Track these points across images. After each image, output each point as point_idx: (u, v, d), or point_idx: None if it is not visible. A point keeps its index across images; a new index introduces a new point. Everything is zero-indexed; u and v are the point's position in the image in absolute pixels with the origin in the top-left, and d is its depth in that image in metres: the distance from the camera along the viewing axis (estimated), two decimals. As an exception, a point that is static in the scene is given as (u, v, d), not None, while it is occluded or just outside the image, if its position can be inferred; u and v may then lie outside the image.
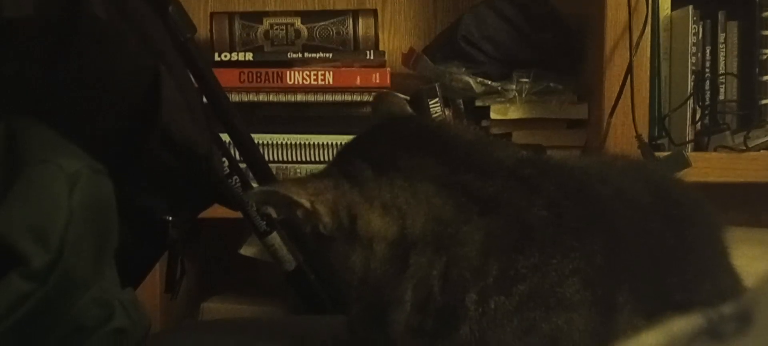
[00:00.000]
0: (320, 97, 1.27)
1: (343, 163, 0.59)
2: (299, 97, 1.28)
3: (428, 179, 0.55)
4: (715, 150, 1.21)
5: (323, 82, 1.26)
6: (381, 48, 1.34)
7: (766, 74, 1.22)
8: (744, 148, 1.18)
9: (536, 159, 0.59)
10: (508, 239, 0.53)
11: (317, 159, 1.26)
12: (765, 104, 1.22)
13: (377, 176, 0.56)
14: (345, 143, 0.62)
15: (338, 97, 1.27)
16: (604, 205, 0.54)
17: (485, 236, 0.53)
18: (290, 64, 1.27)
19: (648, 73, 1.19)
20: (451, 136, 0.59)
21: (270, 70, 1.26)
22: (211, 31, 1.33)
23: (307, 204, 0.56)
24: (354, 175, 0.57)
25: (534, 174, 0.56)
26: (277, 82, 1.27)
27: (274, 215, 0.59)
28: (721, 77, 1.23)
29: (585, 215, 0.53)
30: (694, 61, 1.21)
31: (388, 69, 1.29)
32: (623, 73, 1.15)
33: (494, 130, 1.29)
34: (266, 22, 1.32)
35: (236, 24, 1.32)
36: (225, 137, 0.96)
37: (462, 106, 1.28)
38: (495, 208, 0.54)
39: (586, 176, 0.57)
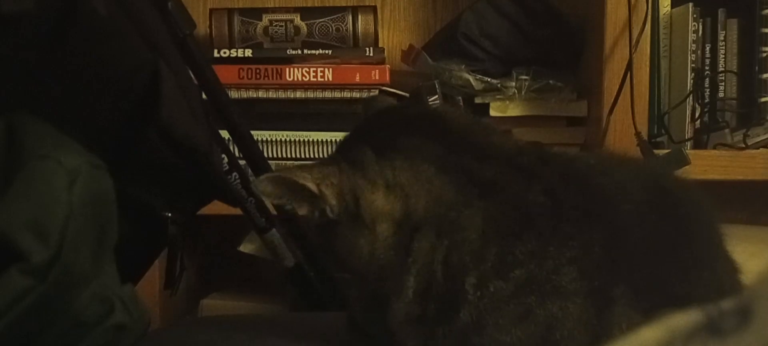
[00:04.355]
0: (319, 94, 1.27)
1: (344, 149, 0.61)
2: (298, 94, 1.28)
3: (427, 159, 0.56)
4: (714, 148, 1.21)
5: (322, 79, 1.26)
6: (380, 45, 1.34)
7: (765, 72, 1.22)
8: (743, 146, 1.18)
9: (535, 149, 0.59)
10: (507, 224, 0.53)
11: (316, 156, 1.26)
12: (764, 102, 1.22)
13: (378, 158, 0.57)
14: (346, 133, 0.63)
15: (337, 94, 1.27)
16: (604, 196, 0.54)
17: (485, 220, 0.53)
18: (289, 60, 1.27)
19: (648, 70, 1.19)
20: (449, 119, 0.60)
21: (269, 67, 1.26)
22: (210, 27, 1.33)
23: (314, 187, 0.57)
24: (356, 158, 0.58)
25: (533, 161, 0.56)
26: (277, 78, 1.27)
27: (284, 204, 0.60)
28: (720, 75, 1.23)
29: (585, 205, 0.53)
30: (693, 59, 1.21)
31: (388, 66, 1.29)
32: (623, 71, 1.15)
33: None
34: (265, 19, 1.32)
35: (235, 20, 1.32)
36: (224, 134, 0.96)
37: (461, 104, 1.29)
38: (494, 191, 0.54)
39: (587, 167, 0.57)
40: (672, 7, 1.23)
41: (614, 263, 0.52)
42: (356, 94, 1.27)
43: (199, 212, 0.79)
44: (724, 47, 1.24)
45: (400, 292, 0.55)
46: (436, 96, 1.25)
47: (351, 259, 0.58)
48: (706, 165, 1.15)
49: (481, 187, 0.54)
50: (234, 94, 1.24)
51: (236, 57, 1.28)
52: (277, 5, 1.40)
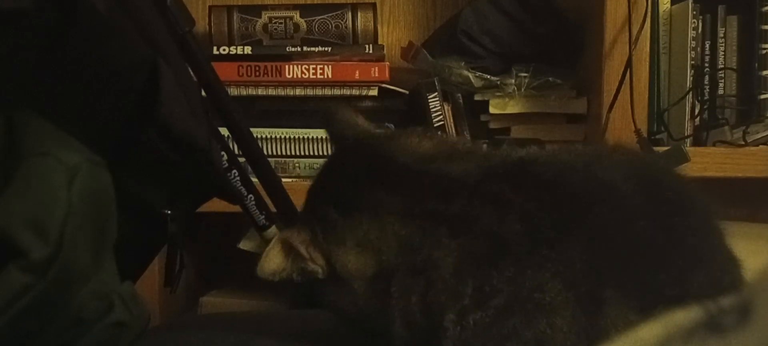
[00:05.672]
0: (319, 91, 1.27)
1: (312, 208, 0.61)
2: (298, 91, 1.27)
3: (392, 212, 0.56)
4: (713, 145, 1.21)
5: (322, 76, 1.26)
6: (380, 42, 1.34)
7: (765, 69, 1.22)
8: (743, 143, 1.18)
9: (508, 166, 0.57)
10: (481, 256, 0.53)
11: (316, 153, 1.26)
12: (764, 99, 1.22)
13: (344, 217, 0.58)
14: (310, 186, 0.63)
15: (337, 91, 1.27)
16: (584, 207, 0.53)
17: (457, 257, 0.53)
18: (289, 57, 1.27)
19: (647, 67, 1.19)
20: (405, 160, 0.59)
21: (269, 64, 1.26)
22: (209, 24, 1.32)
23: (304, 251, 0.58)
24: (324, 219, 0.58)
25: (500, 188, 0.55)
26: (276, 75, 1.26)
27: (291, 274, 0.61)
28: (720, 72, 1.23)
29: (562, 223, 0.52)
30: (693, 56, 1.21)
31: (387, 63, 1.29)
32: (622, 68, 1.15)
33: (493, 125, 1.29)
34: (265, 16, 1.32)
35: (235, 17, 1.32)
36: (224, 131, 0.96)
37: (461, 101, 1.29)
38: (463, 227, 0.54)
39: (567, 177, 0.55)
40: (672, 4, 1.23)
41: (600, 271, 0.51)
42: (356, 92, 1.27)
43: (199, 210, 0.79)
44: (723, 44, 1.23)
45: (390, 329, 0.56)
46: (436, 93, 1.25)
47: (339, 313, 0.60)
48: (705, 162, 1.15)
49: (448, 225, 0.54)
50: (233, 91, 1.24)
51: (235, 54, 1.27)
52: (276, 2, 1.40)
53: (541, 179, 0.55)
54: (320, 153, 1.26)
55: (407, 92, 1.29)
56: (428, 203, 0.56)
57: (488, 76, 1.26)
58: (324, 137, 1.26)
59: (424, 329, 0.54)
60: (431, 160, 0.59)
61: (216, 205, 0.82)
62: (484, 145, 0.62)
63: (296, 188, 0.97)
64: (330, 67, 1.26)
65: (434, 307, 0.53)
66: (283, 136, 1.26)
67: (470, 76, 1.26)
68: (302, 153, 1.26)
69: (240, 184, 0.90)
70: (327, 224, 0.58)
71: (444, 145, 0.61)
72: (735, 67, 1.24)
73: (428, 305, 0.54)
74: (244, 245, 1.25)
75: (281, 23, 1.32)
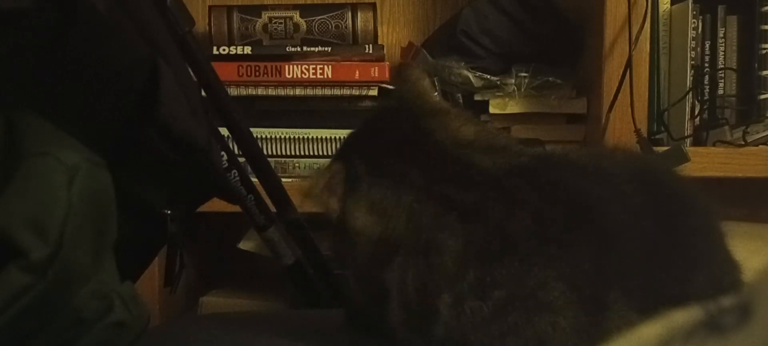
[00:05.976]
0: (319, 91, 1.27)
1: (345, 154, 0.63)
2: (298, 91, 1.27)
3: (411, 186, 0.57)
4: (713, 145, 1.21)
5: (322, 76, 1.26)
6: (380, 42, 1.34)
7: (765, 69, 1.22)
8: (743, 143, 1.18)
9: (526, 166, 0.58)
10: (487, 249, 0.53)
11: (316, 153, 1.26)
12: (764, 99, 1.22)
13: (367, 175, 0.59)
14: (352, 132, 0.65)
15: (337, 91, 1.27)
16: (593, 209, 0.54)
17: (463, 244, 0.53)
18: (289, 57, 1.27)
19: (647, 67, 1.19)
20: (440, 140, 0.60)
21: (268, 64, 1.26)
22: (209, 24, 1.32)
23: (321, 189, 0.60)
24: (350, 168, 0.60)
25: (521, 184, 0.55)
26: (276, 75, 1.26)
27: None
28: (720, 72, 1.23)
29: (571, 223, 0.53)
30: (693, 56, 1.21)
31: (387, 63, 1.29)
32: (622, 68, 1.15)
33: (493, 125, 1.29)
34: (265, 16, 1.32)
35: (235, 17, 1.32)
36: (224, 131, 0.96)
37: (461, 101, 1.28)
38: (475, 217, 0.54)
39: (578, 178, 0.56)
40: (672, 4, 1.23)
41: (605, 272, 0.51)
42: (356, 92, 1.27)
43: (199, 209, 0.79)
44: (723, 44, 1.23)
45: (386, 298, 0.56)
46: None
47: (342, 261, 0.62)
48: (705, 162, 1.15)
49: (461, 212, 0.54)
50: (233, 91, 1.24)
51: (235, 54, 1.27)
52: (276, 2, 1.40)
53: (554, 179, 0.56)
54: (320, 153, 1.26)
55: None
56: (447, 187, 0.56)
57: (488, 76, 1.26)
58: (324, 137, 1.26)
59: (418, 313, 0.54)
60: (466, 146, 0.59)
61: (216, 205, 0.82)
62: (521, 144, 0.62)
63: (296, 187, 0.97)
64: (330, 67, 1.26)
65: (430, 288, 0.53)
66: (283, 136, 1.26)
67: (470, 76, 1.26)
68: (302, 153, 1.26)
69: (240, 184, 0.90)
70: (351, 174, 0.60)
71: (483, 136, 0.62)
72: (735, 67, 1.23)
73: (424, 286, 0.54)
74: (244, 245, 1.25)
75: (281, 23, 1.32)
